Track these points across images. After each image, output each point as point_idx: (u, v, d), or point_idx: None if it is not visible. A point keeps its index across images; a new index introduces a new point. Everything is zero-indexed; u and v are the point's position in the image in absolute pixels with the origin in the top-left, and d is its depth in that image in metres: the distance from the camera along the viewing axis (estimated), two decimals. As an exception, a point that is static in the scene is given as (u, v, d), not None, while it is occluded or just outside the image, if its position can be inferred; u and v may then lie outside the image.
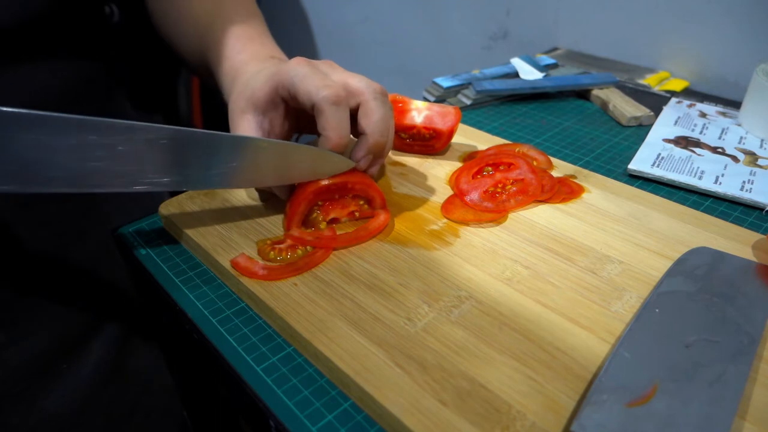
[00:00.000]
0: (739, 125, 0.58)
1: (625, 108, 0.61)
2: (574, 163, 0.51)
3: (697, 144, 0.54)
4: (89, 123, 0.28)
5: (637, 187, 0.45)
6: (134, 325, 0.49)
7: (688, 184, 0.47)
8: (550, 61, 0.76)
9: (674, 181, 0.48)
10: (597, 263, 0.36)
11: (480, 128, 0.56)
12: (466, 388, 0.28)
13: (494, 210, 0.41)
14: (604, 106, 0.64)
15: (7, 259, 0.41)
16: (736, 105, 0.63)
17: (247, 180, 0.36)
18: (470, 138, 0.52)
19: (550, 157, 0.48)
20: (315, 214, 0.39)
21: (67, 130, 0.28)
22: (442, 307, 0.33)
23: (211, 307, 0.35)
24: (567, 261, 0.36)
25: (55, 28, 0.42)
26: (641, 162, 0.50)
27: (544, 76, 0.70)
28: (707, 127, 0.57)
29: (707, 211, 0.43)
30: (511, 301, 0.33)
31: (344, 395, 0.29)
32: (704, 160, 0.51)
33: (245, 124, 0.38)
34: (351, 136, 0.38)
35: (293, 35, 1.46)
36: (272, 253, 0.37)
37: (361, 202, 0.40)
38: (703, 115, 0.61)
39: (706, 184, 0.47)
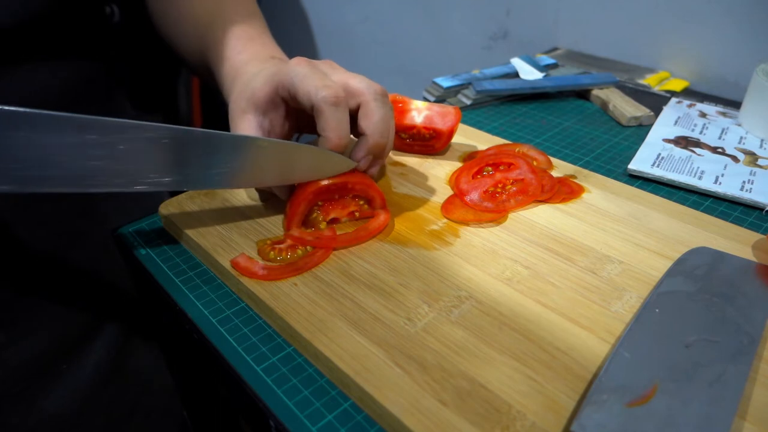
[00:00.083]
0: (739, 125, 0.58)
1: (625, 108, 0.61)
2: (574, 163, 0.51)
3: (697, 144, 0.54)
4: (89, 122, 0.28)
5: (637, 187, 0.45)
6: (134, 325, 0.49)
7: (688, 184, 0.47)
8: (550, 61, 0.76)
9: (674, 181, 0.48)
10: (597, 263, 0.36)
11: (480, 128, 0.56)
12: (466, 388, 0.28)
13: (494, 210, 0.41)
14: (604, 106, 0.64)
15: (7, 259, 0.41)
16: (736, 105, 0.63)
17: (247, 180, 0.36)
18: (470, 138, 0.52)
19: (550, 157, 0.48)
20: (315, 214, 0.39)
21: (66, 129, 0.28)
22: (442, 307, 0.33)
23: (211, 307, 0.35)
24: (567, 261, 0.36)
25: (55, 29, 0.42)
26: (641, 162, 0.50)
27: (544, 76, 0.70)
28: (707, 127, 0.57)
29: (707, 211, 0.43)
30: (511, 301, 0.33)
31: (344, 395, 0.29)
32: (704, 160, 0.51)
33: (245, 124, 0.38)
34: (351, 136, 0.38)
35: (293, 35, 1.46)
36: (272, 253, 0.37)
37: (361, 202, 0.40)
38: (703, 115, 0.61)
39: (706, 184, 0.47)
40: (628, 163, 0.50)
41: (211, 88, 0.51)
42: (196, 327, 0.34)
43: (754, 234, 0.39)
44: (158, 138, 0.31)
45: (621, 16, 0.77)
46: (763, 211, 0.44)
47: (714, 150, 0.52)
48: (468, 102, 0.65)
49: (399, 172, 0.47)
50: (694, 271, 0.34)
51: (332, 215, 0.40)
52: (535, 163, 0.47)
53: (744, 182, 0.47)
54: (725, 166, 0.49)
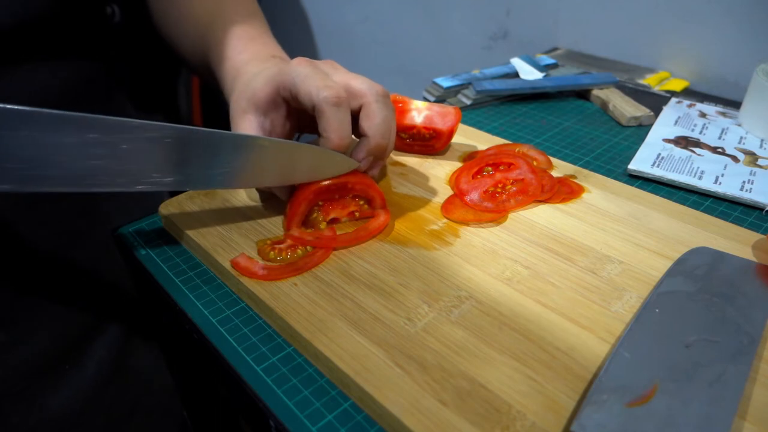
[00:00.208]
0: (739, 125, 0.58)
1: (625, 108, 0.61)
2: (574, 163, 0.51)
3: (697, 144, 0.54)
4: (90, 121, 0.28)
5: (637, 187, 0.45)
6: (135, 326, 0.49)
7: (688, 184, 0.47)
8: (550, 61, 0.76)
9: (674, 181, 0.48)
10: (597, 263, 0.36)
11: (480, 128, 0.56)
12: (466, 388, 0.28)
13: (494, 210, 0.41)
14: (604, 106, 0.64)
15: (8, 258, 0.41)
16: (736, 105, 0.63)
17: (249, 180, 0.36)
18: (470, 138, 0.52)
19: (550, 157, 0.48)
20: (315, 214, 0.39)
21: (67, 128, 0.28)
22: (442, 307, 0.33)
23: (211, 307, 0.35)
24: (567, 261, 0.36)
25: (55, 29, 0.42)
26: (641, 162, 0.50)
27: (544, 76, 0.70)
28: (707, 127, 0.57)
29: (707, 211, 0.43)
30: (511, 301, 0.33)
31: (344, 395, 0.29)
32: (704, 160, 0.51)
33: (246, 124, 0.38)
34: (352, 136, 0.38)
35: (293, 35, 1.46)
36: (272, 253, 0.37)
37: (361, 202, 0.40)
38: (703, 115, 0.61)
39: (706, 184, 0.47)
40: (628, 163, 0.50)
41: (212, 88, 0.51)
42: (196, 327, 0.34)
43: (754, 234, 0.39)
44: (160, 137, 0.31)
45: (621, 16, 0.77)
46: (763, 211, 0.44)
47: (714, 150, 0.52)
48: (468, 102, 0.65)
49: (399, 172, 0.47)
50: (694, 271, 0.34)
51: (332, 215, 0.40)
52: (535, 163, 0.47)
53: (744, 182, 0.47)
54: (725, 166, 0.49)
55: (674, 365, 0.27)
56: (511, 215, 0.41)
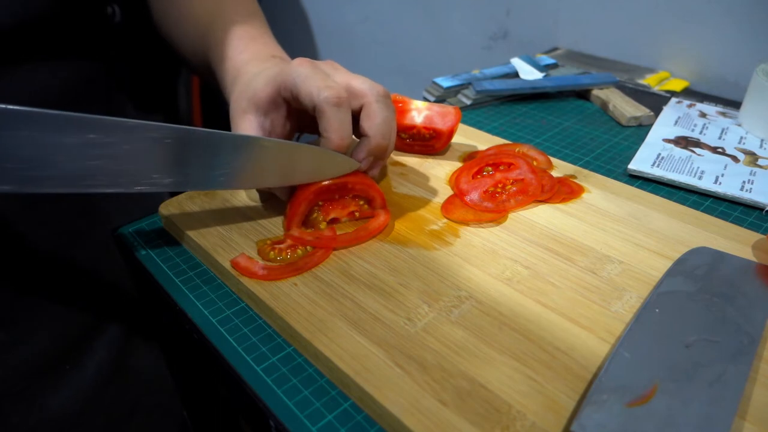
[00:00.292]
0: (739, 125, 0.58)
1: (625, 108, 0.61)
2: (574, 163, 0.51)
3: (697, 144, 0.54)
4: (90, 121, 0.28)
5: (637, 187, 0.45)
6: (135, 326, 0.49)
7: (688, 184, 0.47)
8: (550, 61, 0.76)
9: (674, 181, 0.48)
10: (597, 263, 0.36)
11: (480, 128, 0.56)
12: (466, 388, 0.28)
13: (494, 210, 0.41)
14: (604, 106, 0.64)
15: (8, 258, 0.41)
16: (736, 105, 0.63)
17: (250, 181, 0.36)
18: (470, 138, 0.52)
19: (550, 157, 0.48)
20: (315, 214, 0.39)
21: (67, 129, 0.28)
22: (442, 307, 0.33)
23: (211, 307, 0.35)
24: (567, 261, 0.36)
25: (56, 29, 0.42)
26: (641, 162, 0.50)
27: (544, 76, 0.70)
28: (707, 127, 0.57)
29: (707, 211, 0.43)
30: (511, 301, 0.33)
31: (344, 395, 0.29)
32: (704, 160, 0.51)
33: (246, 125, 0.38)
34: (353, 137, 0.38)
35: (293, 35, 1.46)
36: (272, 253, 0.37)
37: (361, 202, 0.40)
38: (703, 115, 0.61)
39: (706, 184, 0.47)
40: (628, 163, 0.50)
41: (212, 88, 0.51)
42: (196, 327, 0.34)
43: (754, 234, 0.39)
44: (160, 138, 0.31)
45: (621, 16, 0.77)
46: (763, 211, 0.44)
47: (714, 150, 0.52)
48: (468, 102, 0.65)
49: (399, 172, 0.47)
50: (694, 271, 0.34)
51: (332, 215, 0.40)
52: (535, 163, 0.47)
53: (744, 182, 0.47)
54: (725, 166, 0.49)
55: (674, 365, 0.27)
56: (511, 215, 0.41)
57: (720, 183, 0.47)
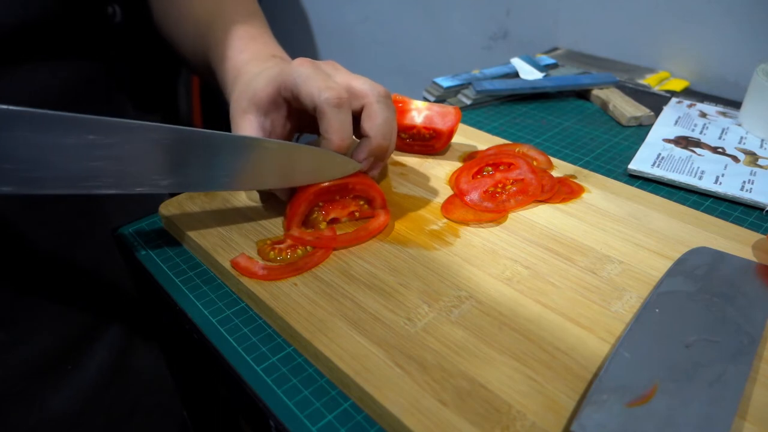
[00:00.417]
0: (740, 125, 0.58)
1: (625, 108, 0.61)
2: (574, 163, 0.51)
3: (698, 144, 0.54)
4: (90, 122, 0.28)
5: (637, 187, 0.45)
6: (135, 326, 0.49)
7: (688, 184, 0.47)
8: (550, 61, 0.76)
9: (674, 181, 0.48)
10: (597, 263, 0.36)
11: (480, 128, 0.56)
12: (466, 388, 0.28)
13: (494, 210, 0.41)
14: (604, 106, 0.64)
15: (9, 258, 0.41)
16: (736, 105, 0.63)
17: (251, 182, 0.36)
18: (470, 138, 0.52)
19: (550, 157, 0.48)
20: (315, 215, 0.39)
21: (66, 129, 0.28)
22: (442, 307, 0.33)
23: (211, 307, 0.35)
24: (567, 261, 0.36)
25: (57, 29, 0.42)
26: (641, 162, 0.50)
27: (544, 76, 0.70)
28: (707, 127, 0.57)
29: (707, 211, 0.43)
30: (511, 301, 0.33)
31: (344, 395, 0.29)
32: (704, 160, 0.51)
33: (247, 125, 0.38)
34: (354, 137, 0.38)
35: (293, 35, 1.46)
36: (272, 253, 0.37)
37: (361, 202, 0.40)
38: (703, 115, 0.61)
39: (706, 184, 0.47)
40: (628, 163, 0.50)
41: (212, 88, 0.51)
42: (196, 327, 0.34)
43: (755, 234, 0.39)
44: (161, 139, 0.31)
45: (621, 16, 0.77)
46: (764, 211, 0.44)
47: (714, 150, 0.52)
48: (468, 102, 0.65)
49: (399, 172, 0.47)
50: (694, 271, 0.34)
51: (332, 215, 0.40)
52: (535, 163, 0.47)
53: (744, 182, 0.47)
54: (725, 166, 0.49)
55: (674, 365, 0.27)
56: (511, 215, 0.41)
57: (720, 183, 0.47)
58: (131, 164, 0.30)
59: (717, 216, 0.41)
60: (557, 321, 0.32)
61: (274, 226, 0.40)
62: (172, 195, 0.43)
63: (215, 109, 1.27)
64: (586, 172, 0.46)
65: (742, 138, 0.55)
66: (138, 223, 0.44)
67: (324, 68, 0.38)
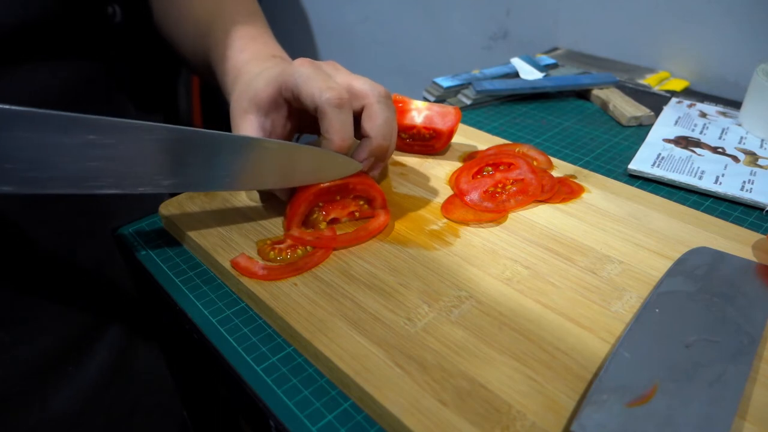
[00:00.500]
0: (740, 125, 0.58)
1: (625, 108, 0.61)
2: (574, 163, 0.51)
3: (698, 144, 0.54)
4: (92, 122, 0.28)
5: (637, 187, 0.45)
6: (135, 326, 0.49)
7: (688, 184, 0.47)
8: (550, 61, 0.76)
9: (674, 181, 0.48)
10: (597, 263, 0.36)
11: (480, 128, 0.56)
12: (466, 388, 0.28)
13: (494, 210, 0.41)
14: (604, 106, 0.64)
15: (9, 258, 0.41)
16: (736, 105, 0.63)
17: (252, 182, 0.36)
18: (470, 138, 0.52)
19: (550, 157, 0.48)
20: (315, 215, 0.39)
21: (68, 129, 0.28)
22: (442, 307, 0.33)
23: (211, 307, 0.35)
24: (567, 261, 0.36)
25: (57, 30, 0.42)
26: (641, 162, 0.50)
27: (544, 76, 0.70)
28: (707, 127, 0.57)
29: (707, 211, 0.43)
30: (511, 301, 0.33)
31: (344, 395, 0.29)
32: (704, 160, 0.51)
33: (247, 124, 0.38)
34: (354, 138, 0.38)
35: (293, 35, 1.46)
36: (272, 253, 0.37)
37: (361, 203, 0.40)
38: (703, 115, 0.61)
39: (706, 184, 0.47)
40: (628, 163, 0.50)
41: (213, 88, 0.51)
42: (196, 327, 0.34)
43: (755, 234, 0.39)
44: (162, 139, 0.31)
45: (621, 16, 0.77)
46: (764, 211, 0.44)
47: (714, 150, 0.52)
48: (468, 102, 0.65)
49: (399, 172, 0.47)
50: (694, 271, 0.34)
51: (332, 215, 0.40)
52: (535, 163, 0.47)
53: (744, 182, 0.47)
54: (725, 166, 0.49)
55: (674, 365, 0.27)
56: (511, 215, 0.41)
57: (720, 183, 0.47)
58: (132, 164, 0.30)
59: (717, 216, 0.41)
60: (557, 321, 0.32)
61: (274, 226, 0.40)
62: (172, 195, 0.43)
63: (215, 109, 1.27)
64: (586, 172, 0.46)
65: (742, 138, 0.55)
66: (138, 223, 0.44)
67: (325, 68, 0.38)
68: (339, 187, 0.39)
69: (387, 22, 1.19)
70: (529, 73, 0.71)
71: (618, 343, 0.29)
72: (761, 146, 0.53)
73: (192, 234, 0.39)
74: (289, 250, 0.37)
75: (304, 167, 0.36)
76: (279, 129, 0.40)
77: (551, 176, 0.45)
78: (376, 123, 0.37)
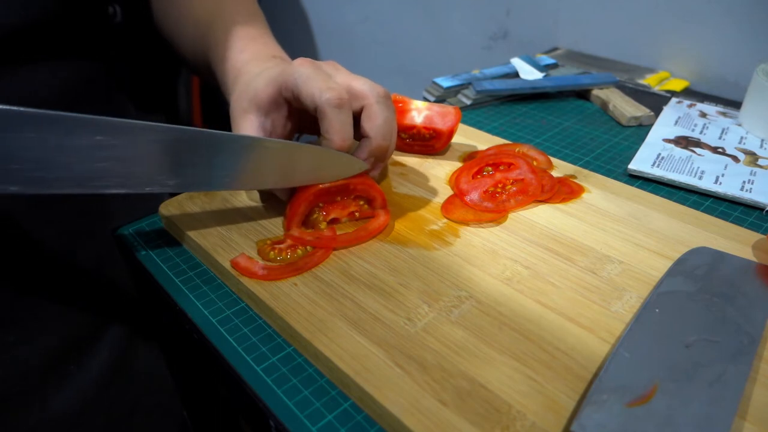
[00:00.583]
0: (740, 125, 0.58)
1: (625, 108, 0.61)
2: (574, 163, 0.51)
3: (698, 144, 0.54)
4: (95, 122, 0.28)
5: (637, 187, 0.45)
6: (136, 326, 0.49)
7: (688, 184, 0.47)
8: (550, 61, 0.76)
9: (674, 181, 0.48)
10: (597, 263, 0.36)
11: (480, 128, 0.56)
12: (466, 388, 0.28)
13: (494, 210, 0.41)
14: (604, 106, 0.64)
15: (10, 258, 0.41)
16: (736, 105, 0.63)
17: (254, 181, 0.36)
18: (470, 138, 0.52)
19: (550, 157, 0.48)
20: (315, 215, 0.39)
21: (73, 130, 0.28)
22: (442, 307, 0.33)
23: (211, 307, 0.35)
24: (567, 261, 0.36)
25: (57, 30, 0.42)
26: (641, 162, 0.50)
27: (544, 76, 0.70)
28: (707, 127, 0.57)
29: (707, 211, 0.43)
30: (511, 301, 0.33)
31: (344, 395, 0.29)
32: (704, 160, 0.51)
33: (247, 124, 0.38)
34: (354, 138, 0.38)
35: (293, 35, 1.46)
36: (272, 253, 0.37)
37: (362, 203, 0.40)
38: (703, 115, 0.61)
39: (706, 184, 0.47)
40: (628, 163, 0.50)
41: (212, 88, 0.51)
42: (196, 327, 0.34)
43: (755, 234, 0.39)
44: (165, 139, 0.31)
45: (621, 16, 0.77)
46: (764, 211, 0.44)
47: (714, 150, 0.52)
48: (468, 102, 0.65)
49: (399, 172, 0.47)
50: (694, 271, 0.34)
51: (332, 215, 0.40)
52: (535, 163, 0.47)
53: (744, 182, 0.47)
54: (725, 166, 0.49)
55: (674, 365, 0.27)
56: (511, 215, 0.41)
57: (720, 183, 0.47)
58: (138, 164, 0.30)
59: (717, 216, 0.41)
60: (557, 321, 0.32)
61: (274, 226, 0.40)
62: (172, 195, 0.43)
63: (215, 109, 1.27)
64: (586, 172, 0.46)
65: (742, 138, 0.55)
66: (138, 223, 0.44)
67: (324, 68, 0.38)
68: (339, 188, 0.39)
69: (387, 22, 1.19)
70: (529, 73, 0.71)
71: (618, 343, 0.29)
72: (761, 146, 0.53)
73: (192, 234, 0.39)
74: (289, 250, 0.37)
75: (310, 167, 0.36)
76: (279, 129, 0.40)
77: (551, 176, 0.45)
78: (376, 123, 0.37)
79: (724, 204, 0.45)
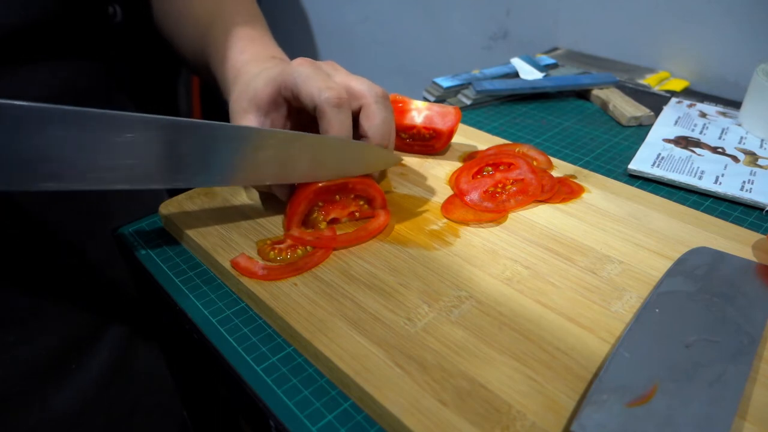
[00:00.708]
0: (740, 125, 0.58)
1: (625, 108, 0.61)
2: (574, 163, 0.51)
3: (697, 144, 0.54)
4: (94, 116, 0.28)
5: (637, 187, 0.45)
6: (136, 326, 0.49)
7: (688, 184, 0.47)
8: (550, 61, 0.76)
9: (674, 181, 0.48)
10: (597, 263, 0.36)
11: (480, 128, 0.56)
12: (466, 388, 0.28)
13: (494, 210, 0.41)
14: (604, 106, 0.64)
15: (10, 258, 0.41)
16: (736, 105, 0.63)
17: (285, 173, 0.36)
18: (470, 138, 0.52)
19: (550, 157, 0.48)
20: (315, 215, 0.39)
21: (76, 124, 0.27)
22: (442, 307, 0.33)
23: (211, 307, 0.35)
24: (567, 261, 0.36)
25: (57, 30, 0.42)
26: (641, 162, 0.50)
27: (544, 76, 0.70)
28: (707, 127, 0.57)
29: (707, 211, 0.43)
30: (511, 301, 0.33)
31: (344, 395, 0.29)
32: (704, 160, 0.51)
33: (247, 124, 0.38)
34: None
35: (293, 35, 1.46)
36: (272, 253, 0.37)
37: (361, 202, 0.40)
38: (703, 115, 0.61)
39: (706, 184, 0.47)
40: (628, 163, 0.50)
41: (212, 88, 0.51)
42: (196, 327, 0.34)
43: (754, 234, 0.39)
44: (167, 133, 0.30)
45: (621, 16, 0.77)
46: (763, 211, 0.44)
47: (714, 150, 0.52)
48: (468, 102, 0.65)
49: (399, 172, 0.47)
50: (694, 271, 0.34)
51: (332, 215, 0.40)
52: (535, 163, 0.47)
53: (744, 182, 0.47)
54: (725, 166, 0.49)
55: (674, 365, 0.27)
56: (511, 215, 0.41)
57: (720, 183, 0.47)
58: (133, 158, 0.30)
59: (717, 216, 0.41)
60: (557, 321, 0.32)
61: (274, 226, 0.40)
62: (172, 194, 0.43)
63: (215, 109, 1.27)
64: (586, 172, 0.46)
65: (742, 138, 0.55)
66: (138, 223, 0.44)
67: (324, 68, 0.38)
68: (339, 187, 0.39)
69: (387, 22, 1.19)
70: (529, 73, 0.71)
71: (618, 343, 0.29)
72: (761, 146, 0.53)
73: (192, 234, 0.39)
74: (289, 250, 0.37)
75: (345, 159, 0.37)
76: (278, 128, 0.40)
77: (551, 176, 0.45)
78: (374, 123, 0.37)
79: (724, 204, 0.45)
